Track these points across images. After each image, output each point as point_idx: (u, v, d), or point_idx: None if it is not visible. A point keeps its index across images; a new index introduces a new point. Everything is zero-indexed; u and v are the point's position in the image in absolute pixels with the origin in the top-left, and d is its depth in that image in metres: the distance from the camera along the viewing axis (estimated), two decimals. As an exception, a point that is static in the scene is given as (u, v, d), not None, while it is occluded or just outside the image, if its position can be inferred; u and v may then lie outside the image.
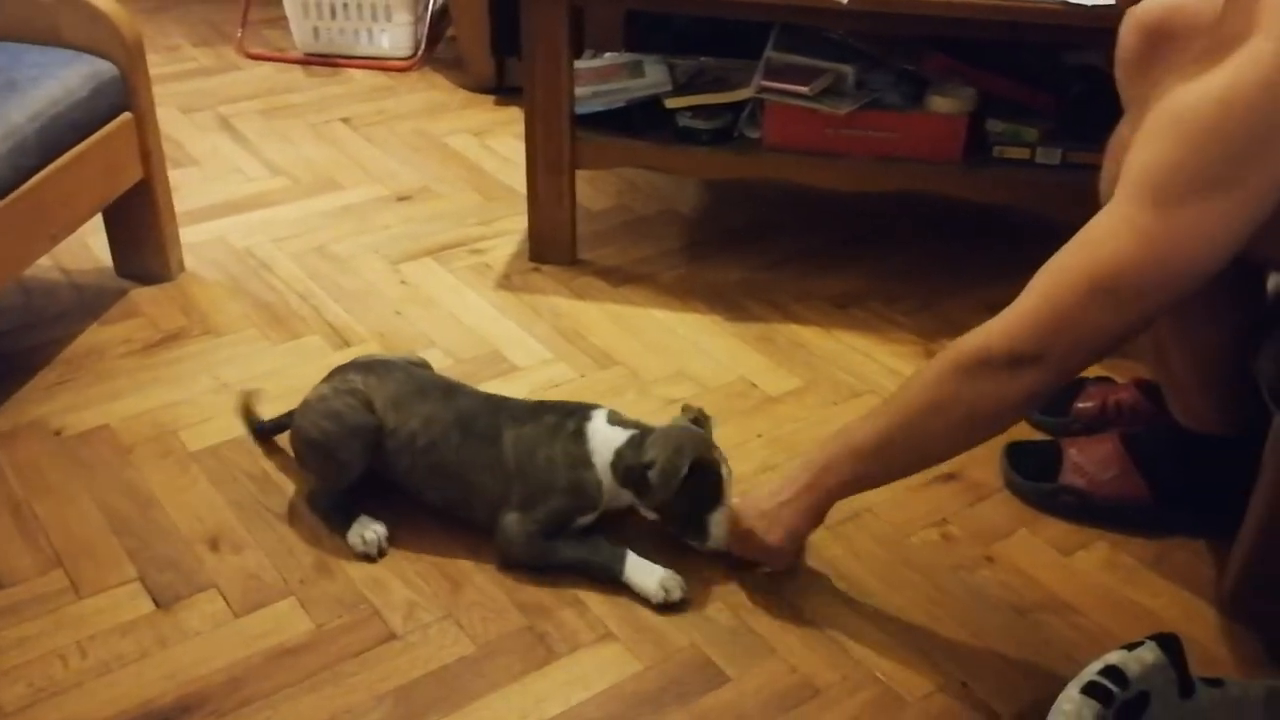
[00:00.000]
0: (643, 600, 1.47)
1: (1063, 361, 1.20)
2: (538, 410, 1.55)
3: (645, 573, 1.47)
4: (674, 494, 1.43)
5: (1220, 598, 1.48)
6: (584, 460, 1.48)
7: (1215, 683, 1.19)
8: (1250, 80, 1.06)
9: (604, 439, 1.49)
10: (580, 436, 1.50)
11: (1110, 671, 1.13)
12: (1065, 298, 1.17)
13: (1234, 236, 1.11)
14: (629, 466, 1.46)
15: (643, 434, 1.49)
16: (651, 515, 1.51)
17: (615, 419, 1.52)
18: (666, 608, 1.45)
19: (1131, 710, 1.14)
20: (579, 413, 1.53)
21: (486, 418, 1.54)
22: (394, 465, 1.56)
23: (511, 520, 1.50)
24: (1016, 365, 1.20)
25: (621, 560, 1.48)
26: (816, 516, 1.44)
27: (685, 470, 1.43)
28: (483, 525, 1.54)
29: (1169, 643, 1.16)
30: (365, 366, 1.62)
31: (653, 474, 1.44)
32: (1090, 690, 1.12)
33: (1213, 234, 1.11)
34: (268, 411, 1.75)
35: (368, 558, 1.53)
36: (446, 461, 1.53)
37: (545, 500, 1.49)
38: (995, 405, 1.24)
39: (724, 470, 1.48)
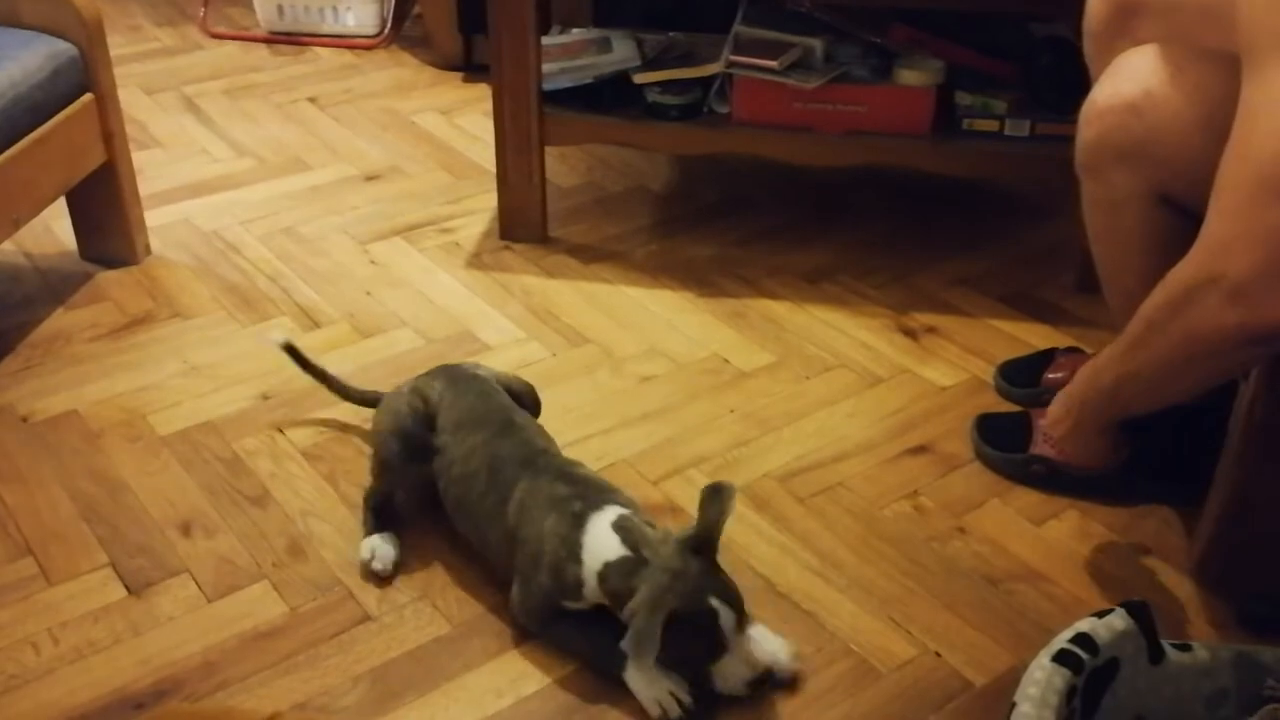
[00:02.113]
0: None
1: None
2: (557, 473, 1.41)
3: (645, 681, 1.30)
4: (655, 653, 1.24)
5: (1189, 564, 1.49)
6: (574, 552, 1.32)
7: (1184, 648, 1.20)
8: None
9: (598, 544, 1.31)
10: (579, 525, 1.33)
11: (1081, 639, 1.14)
12: (1249, 204, 1.08)
13: None
14: (614, 593, 1.29)
15: (637, 561, 1.29)
16: None
17: (622, 526, 1.32)
18: None
19: (1101, 677, 1.15)
20: (591, 499, 1.36)
21: (513, 468, 1.42)
22: (437, 484, 1.50)
23: (514, 588, 1.40)
24: (1228, 296, 1.11)
25: (623, 659, 1.31)
26: (1086, 427, 1.50)
27: (658, 631, 1.22)
28: (497, 573, 1.46)
29: (1138, 610, 1.17)
30: (453, 378, 1.54)
31: (626, 643, 1.24)
32: (1061, 658, 1.12)
33: None
34: (230, 398, 1.77)
35: (371, 570, 1.47)
36: (469, 500, 1.45)
37: (534, 574, 1.36)
38: (1214, 340, 1.15)
39: (723, 615, 1.26)
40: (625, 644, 1.23)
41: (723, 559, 1.47)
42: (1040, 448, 1.62)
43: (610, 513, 1.34)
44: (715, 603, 1.26)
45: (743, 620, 1.28)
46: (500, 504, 1.41)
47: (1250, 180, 1.08)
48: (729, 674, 1.29)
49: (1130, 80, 1.33)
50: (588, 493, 1.38)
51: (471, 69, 3.01)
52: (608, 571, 1.30)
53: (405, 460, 1.51)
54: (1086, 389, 1.44)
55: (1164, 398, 1.35)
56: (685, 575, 1.26)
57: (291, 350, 1.70)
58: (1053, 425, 1.53)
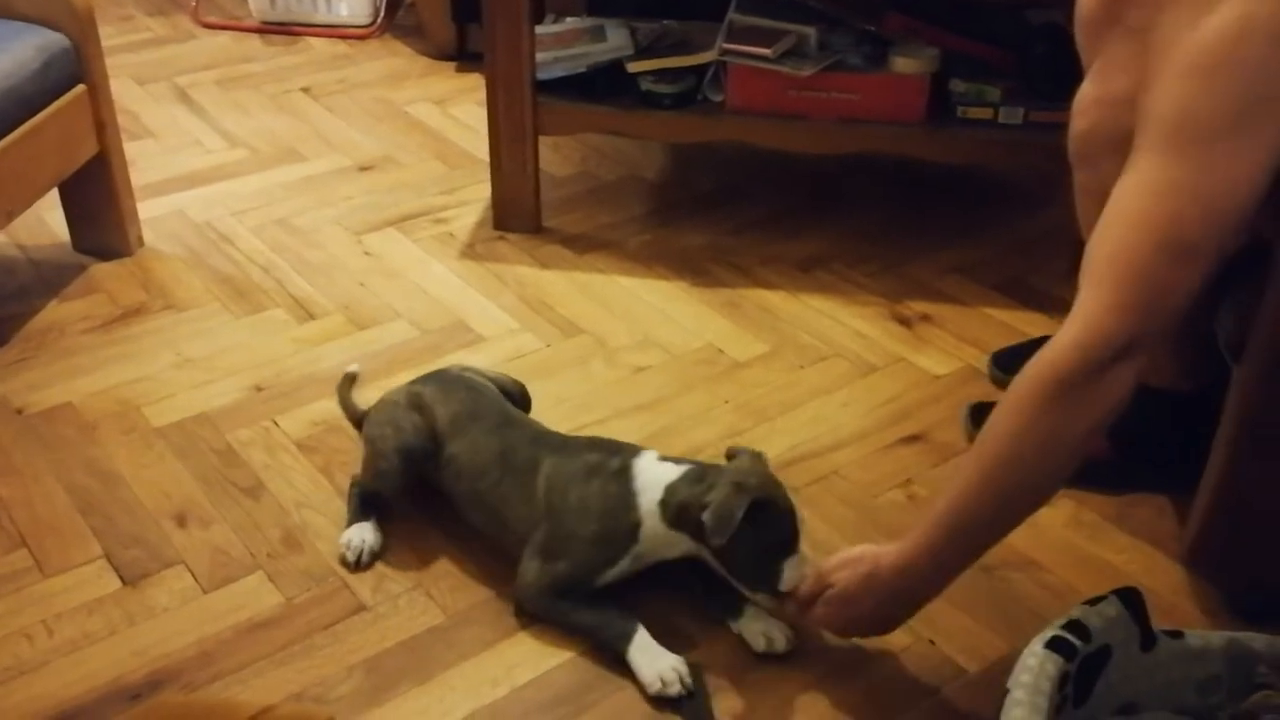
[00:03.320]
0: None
1: (1156, 338, 1.13)
2: (580, 446, 1.45)
3: (648, 658, 1.32)
4: (732, 537, 1.29)
5: (1181, 552, 1.50)
6: (626, 501, 1.36)
7: (1176, 635, 1.20)
8: (1266, 11, 1.05)
9: (654, 476, 1.36)
10: (625, 475, 1.37)
11: (1073, 626, 1.15)
12: (1142, 272, 1.11)
13: (1269, 168, 1.09)
14: (683, 504, 1.33)
15: (701, 469, 1.36)
16: (714, 564, 1.36)
17: (666, 458, 1.40)
18: (664, 700, 1.30)
19: (1094, 663, 1.16)
20: (625, 451, 1.42)
21: (527, 450, 1.45)
22: (442, 482, 1.51)
23: (530, 568, 1.40)
24: (1116, 361, 1.12)
25: (629, 637, 1.34)
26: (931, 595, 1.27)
27: (742, 510, 1.28)
28: (504, 558, 1.46)
29: (1130, 597, 1.18)
30: (441, 379, 1.57)
31: (707, 515, 1.29)
32: (1054, 645, 1.13)
33: (1252, 168, 1.09)
34: (223, 389, 1.78)
35: (343, 560, 1.48)
36: (484, 492, 1.46)
37: (567, 550, 1.37)
38: (1101, 413, 1.14)
39: (797, 515, 1.34)
40: (706, 517, 1.29)
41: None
42: (1035, 436, 1.62)
43: (649, 453, 1.41)
44: (792, 501, 1.35)
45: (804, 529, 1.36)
46: (522, 487, 1.42)
47: (1138, 251, 1.12)
48: (795, 573, 1.33)
49: (1123, 71, 1.32)
50: (619, 447, 1.43)
51: (465, 58, 3.00)
52: (672, 490, 1.35)
53: (404, 474, 1.51)
54: (944, 548, 1.22)
55: (1029, 511, 1.22)
56: (760, 472, 1.36)
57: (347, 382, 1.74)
58: (888, 613, 1.29)
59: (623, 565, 1.38)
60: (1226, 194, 1.10)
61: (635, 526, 1.36)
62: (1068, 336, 1.14)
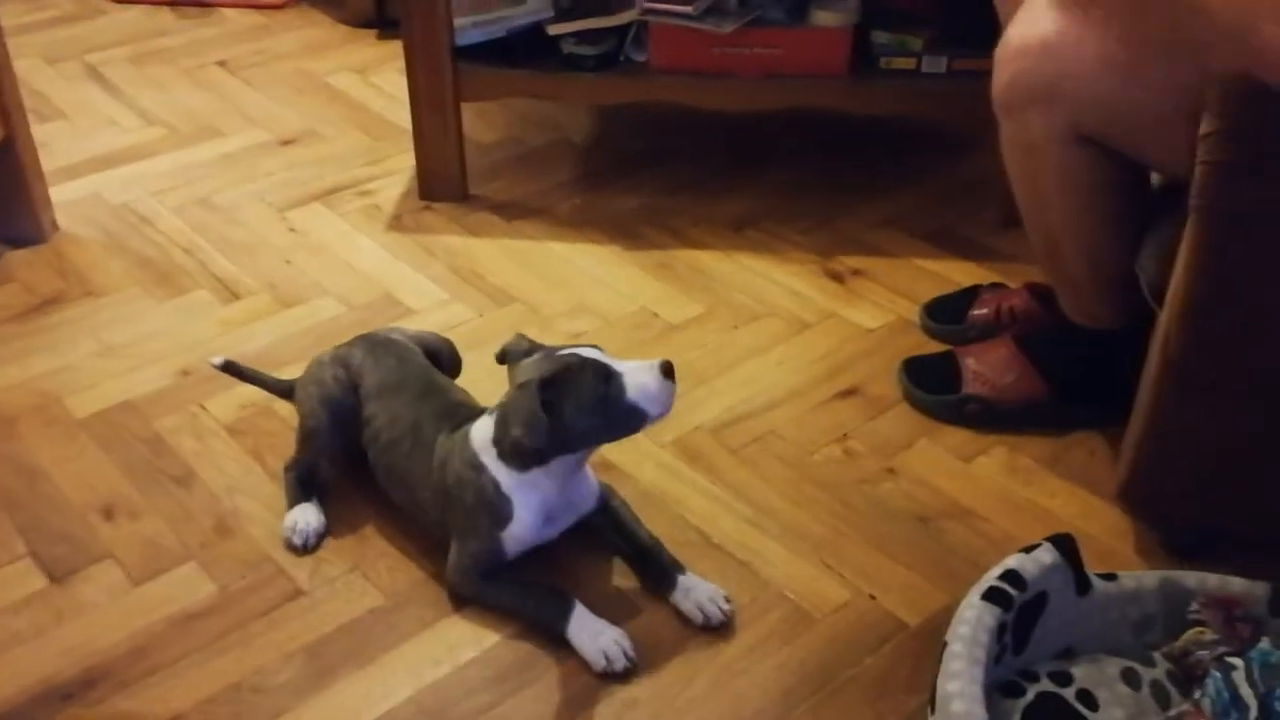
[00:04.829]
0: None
1: None
2: (462, 418, 1.41)
3: (589, 634, 1.30)
4: (563, 423, 1.25)
5: (1113, 493, 1.51)
6: (477, 464, 1.34)
7: (1110, 577, 1.21)
8: None
9: (482, 434, 1.34)
10: (466, 443, 1.35)
11: (1009, 575, 1.15)
12: None
13: None
14: (499, 440, 1.32)
15: (501, 402, 1.34)
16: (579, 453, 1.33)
17: (492, 410, 1.37)
18: (609, 675, 1.30)
19: (1031, 611, 1.17)
20: (466, 416, 1.41)
21: (431, 426, 1.42)
22: (368, 455, 1.49)
23: (452, 553, 1.38)
24: None
25: (566, 614, 1.31)
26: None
27: (537, 398, 1.23)
28: (433, 538, 1.44)
29: (1064, 543, 1.18)
30: (371, 344, 1.54)
31: (513, 431, 1.25)
32: (990, 596, 1.13)
33: None
34: (148, 376, 1.74)
35: (289, 544, 1.46)
36: (398, 465, 1.44)
37: (470, 526, 1.35)
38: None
39: (585, 352, 1.30)
40: (514, 434, 1.25)
41: (657, 513, 1.47)
42: (973, 386, 1.63)
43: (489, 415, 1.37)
44: (572, 352, 1.30)
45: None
46: (424, 465, 1.40)
47: None
48: (643, 381, 1.28)
49: (1043, 20, 1.32)
50: (474, 413, 1.40)
51: (385, 25, 2.94)
52: (497, 439, 1.32)
53: (333, 429, 1.50)
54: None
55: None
56: (537, 363, 1.31)
57: (232, 367, 1.70)
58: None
59: (526, 528, 1.35)
60: None
61: (497, 485, 1.33)
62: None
